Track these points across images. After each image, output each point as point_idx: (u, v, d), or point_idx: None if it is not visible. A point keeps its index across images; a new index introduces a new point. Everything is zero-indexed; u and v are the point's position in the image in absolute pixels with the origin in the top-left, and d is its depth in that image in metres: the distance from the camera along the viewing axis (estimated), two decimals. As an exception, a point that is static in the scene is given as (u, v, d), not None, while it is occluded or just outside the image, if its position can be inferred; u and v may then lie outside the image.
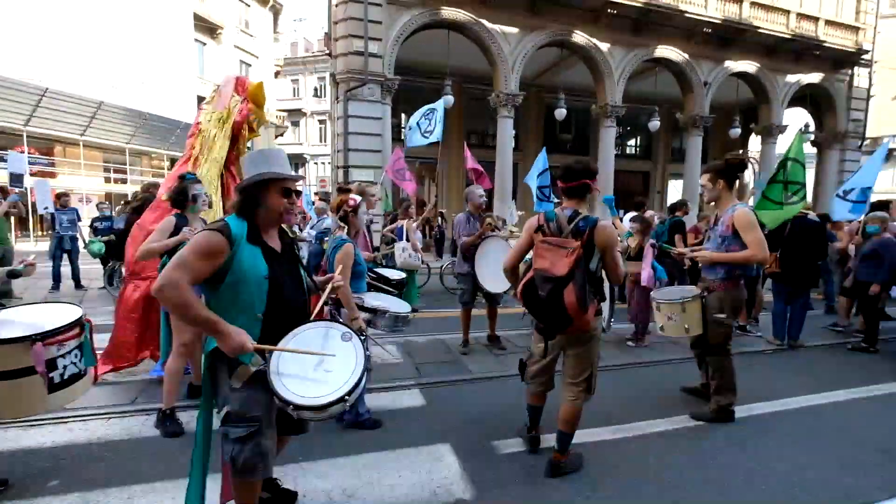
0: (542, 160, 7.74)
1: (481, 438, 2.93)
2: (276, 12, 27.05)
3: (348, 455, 2.68)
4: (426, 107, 8.72)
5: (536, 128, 18.06)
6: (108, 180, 18.71)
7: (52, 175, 16.61)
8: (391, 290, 3.56)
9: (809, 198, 18.80)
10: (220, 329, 1.54)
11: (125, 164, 18.48)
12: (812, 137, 16.46)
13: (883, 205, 6.06)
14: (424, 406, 3.48)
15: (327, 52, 12.29)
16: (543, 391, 2.68)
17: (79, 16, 15.68)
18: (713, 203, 3.34)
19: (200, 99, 21.41)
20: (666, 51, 13.74)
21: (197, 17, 20.80)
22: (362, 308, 2.82)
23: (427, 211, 8.17)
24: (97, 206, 10.21)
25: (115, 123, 17.37)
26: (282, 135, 29.14)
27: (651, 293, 3.51)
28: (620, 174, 16.20)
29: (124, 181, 18.63)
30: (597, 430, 3.04)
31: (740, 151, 18.28)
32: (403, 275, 3.95)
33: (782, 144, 11.87)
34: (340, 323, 1.91)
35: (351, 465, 2.60)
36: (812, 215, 5.59)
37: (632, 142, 21.03)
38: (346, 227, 2.90)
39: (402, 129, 14.32)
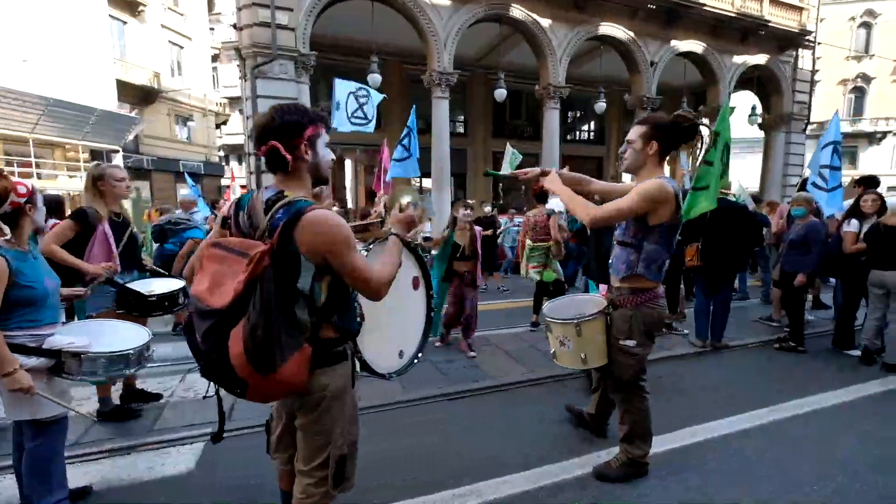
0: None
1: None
2: (210, -10, 25.02)
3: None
4: (354, 84, 7.63)
5: (485, 112, 17.18)
6: (14, 174, 16.68)
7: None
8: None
9: (754, 183, 18.81)
10: None
11: (30, 157, 16.51)
12: (759, 120, 16.27)
13: (870, 181, 5.02)
14: (192, 472, 2.51)
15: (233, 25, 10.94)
16: (293, 469, 1.78)
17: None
18: (632, 173, 2.33)
19: (121, 83, 19.51)
20: (611, 28, 13.07)
21: (112, -8, 18.78)
22: (39, 352, 1.84)
23: (377, 205, 7.20)
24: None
25: (13, 110, 15.40)
26: (224, 123, 27.22)
27: (543, 308, 2.65)
28: (572, 160, 15.58)
29: (29, 175, 16.66)
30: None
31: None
32: (179, 284, 2.91)
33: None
34: None
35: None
36: (734, 197, 4.92)
37: (585, 126, 20.49)
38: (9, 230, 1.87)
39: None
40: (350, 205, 17.32)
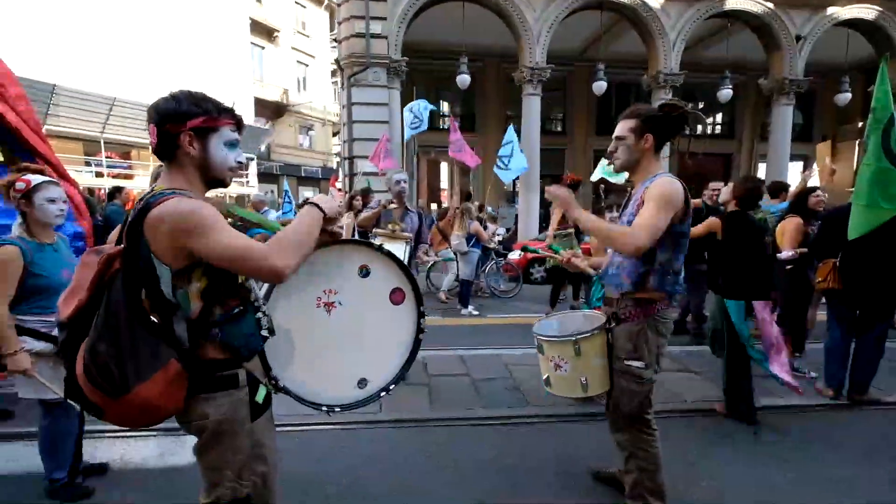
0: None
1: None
2: (332, 12, 27.58)
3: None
4: (422, 103, 7.98)
5: (587, 108, 15.99)
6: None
7: (130, 177, 18.43)
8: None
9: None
10: None
11: (189, 165, 19.96)
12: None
13: None
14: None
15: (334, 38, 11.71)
16: None
17: (141, 28, 17.08)
18: (626, 172, 2.03)
19: (258, 100, 22.55)
20: (741, 1, 11.10)
21: (254, 22, 21.77)
22: (47, 337, 2.00)
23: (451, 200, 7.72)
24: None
25: (178, 127, 18.74)
26: (338, 133, 29.79)
27: (533, 326, 2.22)
28: (691, 158, 13.70)
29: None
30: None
31: (859, 125, 14.50)
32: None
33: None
34: None
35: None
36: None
37: (708, 119, 17.84)
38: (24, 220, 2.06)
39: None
40: (445, 205, 17.55)
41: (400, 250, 3.38)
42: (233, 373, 1.28)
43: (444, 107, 16.90)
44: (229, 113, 1.29)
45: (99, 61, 16.26)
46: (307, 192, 25.43)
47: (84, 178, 15.41)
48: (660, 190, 1.78)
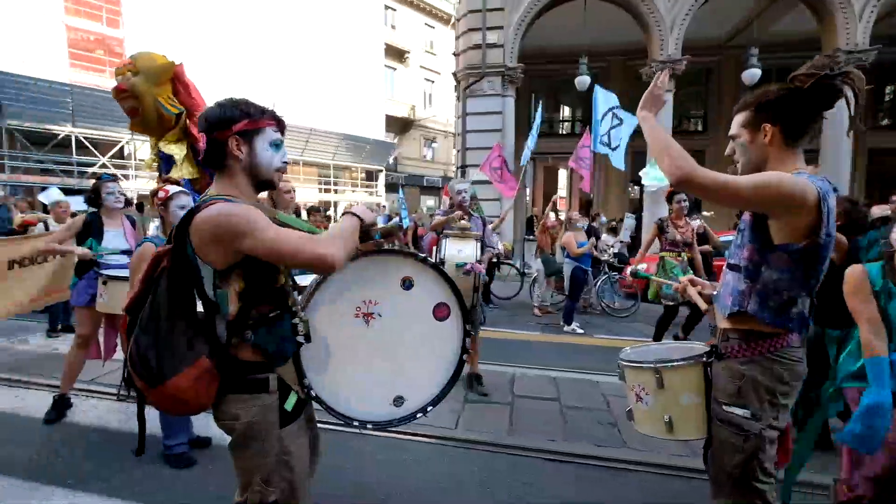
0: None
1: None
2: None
3: (115, 497, 2.25)
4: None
5: (733, 103, 13.67)
6: (320, 190, 23.29)
7: (284, 188, 21.73)
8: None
9: None
10: None
11: (330, 178, 22.67)
12: None
13: None
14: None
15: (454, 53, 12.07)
16: None
17: (292, 61, 19.97)
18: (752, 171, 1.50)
19: (388, 118, 24.61)
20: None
21: (388, 47, 23.87)
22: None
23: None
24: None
25: (323, 144, 21.47)
26: (461, 143, 30.84)
27: (623, 351, 1.87)
28: (881, 157, 10.90)
29: (328, 191, 22.91)
30: None
31: None
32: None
33: None
34: None
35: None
36: None
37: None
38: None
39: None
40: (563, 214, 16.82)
41: (471, 248, 3.29)
42: (264, 377, 1.30)
43: (565, 111, 16.24)
44: (270, 114, 1.32)
45: (260, 91, 19.47)
46: (430, 201, 26.86)
47: (251, 189, 18.29)
48: (766, 174, 1.34)
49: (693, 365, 1.55)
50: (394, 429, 1.59)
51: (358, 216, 1.36)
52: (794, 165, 1.41)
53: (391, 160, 25.18)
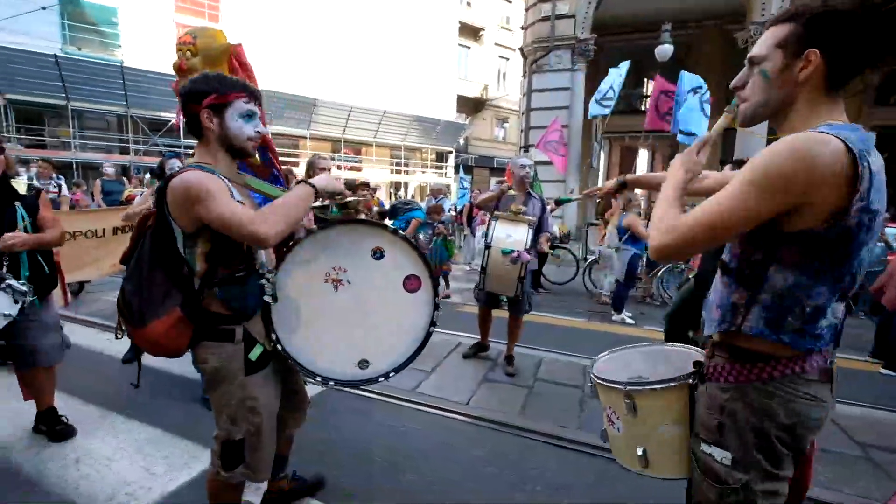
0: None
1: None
2: (537, 1, 27.54)
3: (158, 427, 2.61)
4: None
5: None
6: (391, 171, 24.05)
7: (359, 169, 22.73)
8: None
9: None
10: None
11: (401, 158, 23.28)
12: None
13: None
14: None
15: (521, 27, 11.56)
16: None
17: (367, 45, 20.51)
18: (761, 122, 1.08)
19: (460, 98, 24.47)
20: None
21: (462, 24, 23.58)
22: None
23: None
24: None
25: (395, 126, 22.04)
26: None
27: (598, 358, 1.64)
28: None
29: (399, 172, 23.58)
30: None
31: None
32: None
33: None
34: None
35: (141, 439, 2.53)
36: None
37: None
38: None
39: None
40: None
41: (522, 233, 3.18)
42: (230, 328, 1.43)
43: (649, 86, 14.95)
44: (240, 86, 1.41)
45: (338, 76, 20.33)
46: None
47: (327, 169, 19.36)
48: (763, 159, 0.91)
49: (674, 388, 1.25)
50: (363, 388, 1.65)
51: (312, 185, 1.43)
52: (825, 117, 0.97)
53: (461, 141, 25.12)
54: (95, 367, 3.48)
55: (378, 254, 1.61)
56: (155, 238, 1.38)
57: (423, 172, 24.79)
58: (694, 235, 0.96)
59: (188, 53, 3.50)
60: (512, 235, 3.18)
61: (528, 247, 3.12)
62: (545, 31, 9.86)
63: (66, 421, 2.51)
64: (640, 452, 1.30)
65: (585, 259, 8.15)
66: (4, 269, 2.12)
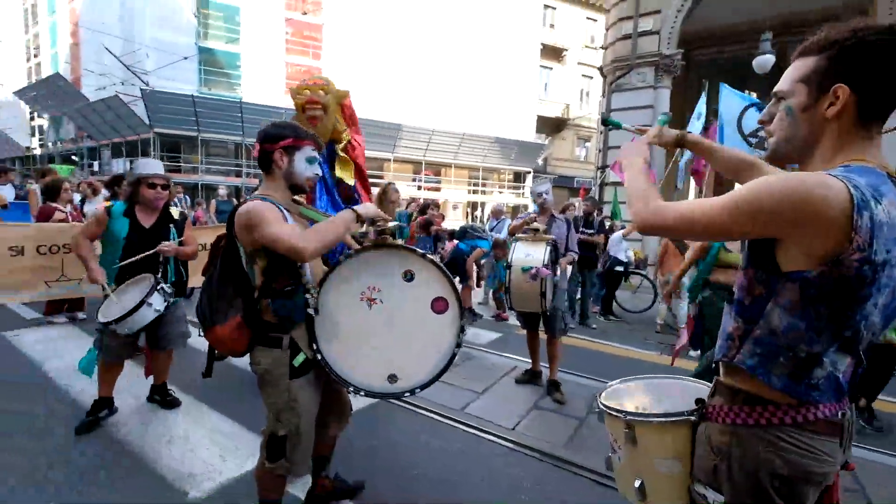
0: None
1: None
2: (624, 18, 26.70)
3: (228, 418, 2.96)
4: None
5: None
6: (469, 192, 24.55)
7: (438, 189, 23.56)
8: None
9: None
10: (88, 265, 2.61)
11: (479, 179, 23.70)
12: None
13: None
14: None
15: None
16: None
17: (450, 71, 21.38)
18: (787, 162, 1.03)
19: (539, 118, 24.38)
20: None
21: (544, 46, 23.66)
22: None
23: None
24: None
25: (474, 148, 22.59)
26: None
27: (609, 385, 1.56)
28: None
29: (476, 192, 23.98)
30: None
31: None
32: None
33: None
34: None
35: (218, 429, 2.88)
36: None
37: None
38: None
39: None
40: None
41: (540, 251, 3.23)
42: (278, 336, 1.65)
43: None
44: (310, 136, 1.70)
45: (421, 101, 21.43)
46: (577, 203, 25.69)
47: (408, 190, 20.50)
48: (766, 180, 0.87)
49: (674, 424, 1.20)
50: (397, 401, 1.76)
51: (355, 210, 1.62)
52: (859, 157, 0.89)
53: (540, 161, 24.92)
54: (195, 362, 4.04)
55: (409, 276, 1.73)
56: (225, 256, 1.65)
57: (500, 192, 24.95)
58: (676, 225, 0.99)
59: (321, 92, 4.00)
60: (531, 254, 3.24)
61: (545, 262, 3.13)
62: (626, 49, 9.56)
63: (173, 394, 3.06)
64: (637, 484, 1.28)
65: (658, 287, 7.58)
66: (160, 275, 2.72)
